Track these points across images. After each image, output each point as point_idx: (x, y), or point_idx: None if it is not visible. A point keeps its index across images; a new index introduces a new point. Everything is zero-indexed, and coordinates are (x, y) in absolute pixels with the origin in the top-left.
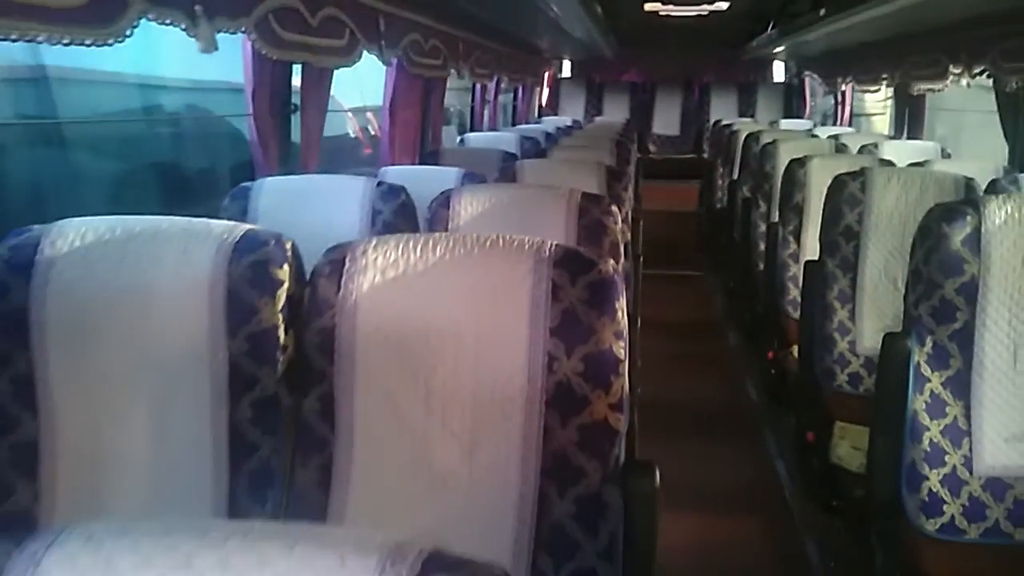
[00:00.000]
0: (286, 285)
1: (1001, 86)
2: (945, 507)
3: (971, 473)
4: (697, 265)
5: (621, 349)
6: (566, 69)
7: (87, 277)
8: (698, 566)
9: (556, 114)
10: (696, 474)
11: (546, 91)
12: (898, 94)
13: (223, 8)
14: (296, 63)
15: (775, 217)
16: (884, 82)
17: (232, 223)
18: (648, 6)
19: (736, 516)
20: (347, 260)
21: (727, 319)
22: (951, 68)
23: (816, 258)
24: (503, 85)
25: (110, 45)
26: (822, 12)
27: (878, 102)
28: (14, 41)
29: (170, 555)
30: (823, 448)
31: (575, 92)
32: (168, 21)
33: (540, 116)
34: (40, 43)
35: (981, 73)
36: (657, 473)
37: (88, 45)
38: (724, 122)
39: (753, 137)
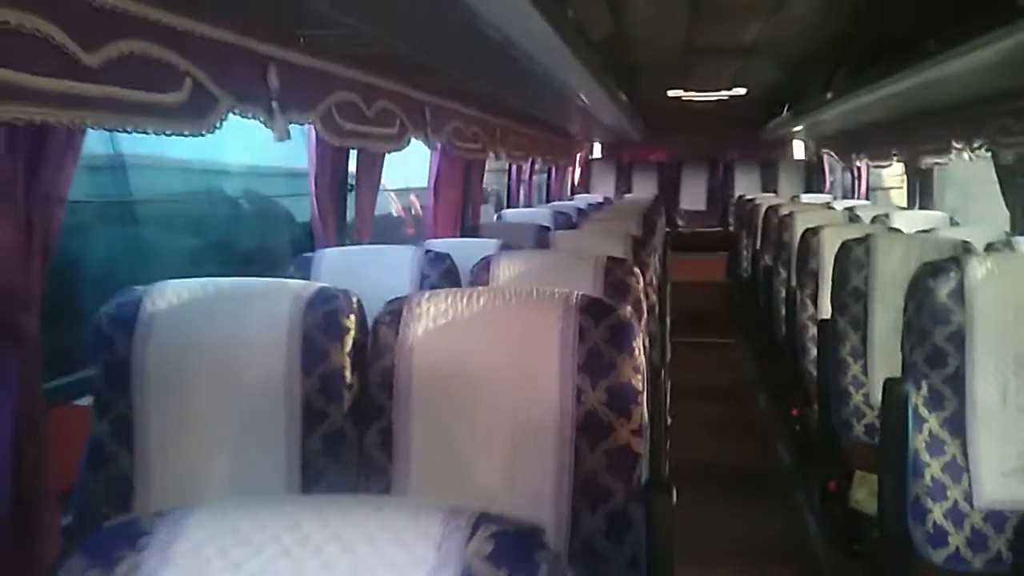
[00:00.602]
0: (352, 332)
1: (999, 159)
2: (950, 538)
3: (972, 506)
4: (728, 332)
5: (639, 382)
6: (597, 150)
7: (182, 329)
8: None
9: (588, 192)
10: (728, 532)
11: (578, 171)
12: (908, 168)
13: (294, 104)
14: (353, 149)
15: (795, 283)
16: (894, 158)
17: (306, 282)
18: (671, 92)
19: (764, 567)
20: (404, 310)
21: (758, 383)
22: (953, 143)
23: (829, 318)
24: (537, 166)
25: (203, 135)
26: (829, 96)
27: (895, 176)
28: (128, 132)
29: (280, 519)
30: (843, 496)
31: (606, 171)
32: (250, 115)
33: (573, 194)
34: (147, 134)
35: (980, 148)
36: (675, 491)
37: (185, 135)
38: (747, 196)
39: (773, 210)
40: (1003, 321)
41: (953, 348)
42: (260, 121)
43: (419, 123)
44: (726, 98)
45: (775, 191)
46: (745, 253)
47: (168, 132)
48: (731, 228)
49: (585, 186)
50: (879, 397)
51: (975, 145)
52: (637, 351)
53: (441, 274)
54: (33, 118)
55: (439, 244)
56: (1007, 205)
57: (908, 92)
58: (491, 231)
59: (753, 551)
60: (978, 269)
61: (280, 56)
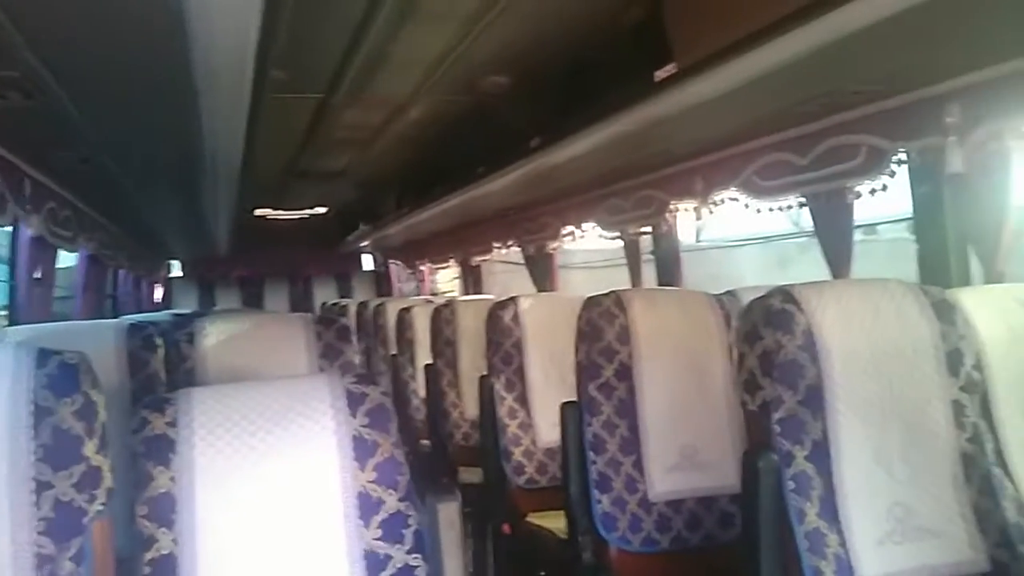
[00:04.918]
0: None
1: (526, 253)
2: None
3: (536, 444)
4: None
5: (363, 365)
6: (176, 268)
7: None
8: None
9: (170, 308)
10: None
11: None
12: (462, 267)
13: None
14: None
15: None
16: (451, 259)
17: (119, 320)
18: (259, 212)
19: None
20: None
21: None
22: (494, 244)
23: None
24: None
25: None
26: (397, 212)
27: (450, 280)
28: None
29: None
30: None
31: (187, 287)
32: None
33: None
34: None
35: (511, 246)
36: None
37: None
38: (331, 302)
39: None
40: (545, 333)
41: (516, 352)
42: None
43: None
44: (307, 216)
45: (351, 298)
46: None
47: None
48: None
49: (168, 302)
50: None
51: (509, 244)
52: (354, 343)
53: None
54: None
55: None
56: (534, 283)
57: (456, 207)
58: None
59: None
60: (526, 302)
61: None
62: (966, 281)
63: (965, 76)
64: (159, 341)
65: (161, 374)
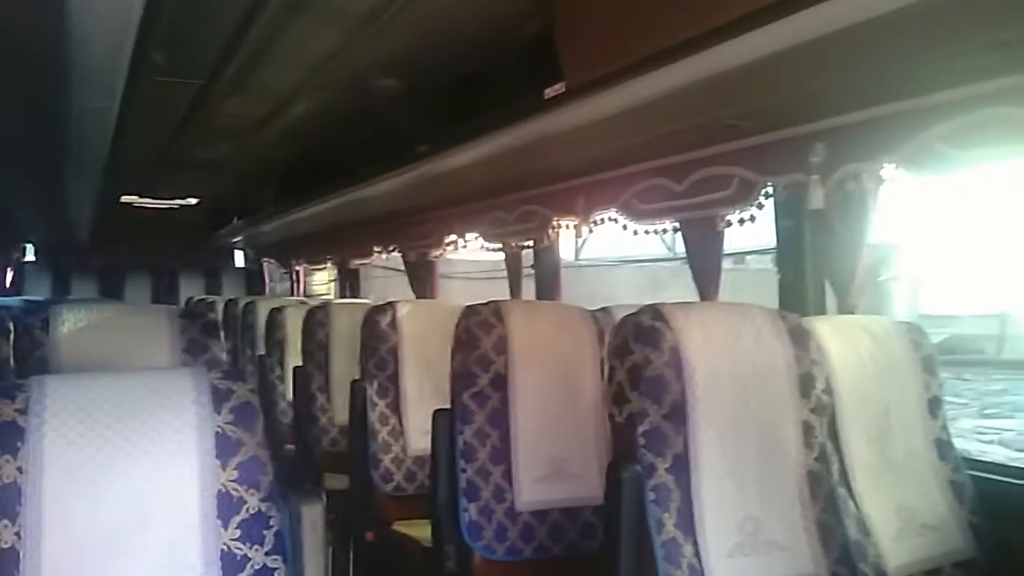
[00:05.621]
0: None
1: (406, 259)
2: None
3: (407, 454)
4: None
5: (229, 363)
6: (30, 253)
7: None
8: None
9: (21, 295)
10: None
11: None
12: (340, 269)
13: None
14: None
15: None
16: (328, 260)
17: None
18: (124, 198)
19: None
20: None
21: None
22: (375, 248)
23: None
24: None
25: None
26: (275, 208)
27: (326, 283)
28: None
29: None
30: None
31: (41, 274)
32: None
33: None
34: None
35: (394, 251)
36: None
37: None
38: (197, 297)
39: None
40: (422, 340)
41: (391, 357)
42: None
43: None
44: (177, 207)
45: (219, 295)
46: None
47: None
48: None
49: (18, 289)
50: (343, 406)
51: (391, 249)
52: (221, 339)
53: None
54: None
55: None
56: (413, 290)
57: (338, 207)
58: None
59: None
60: (404, 308)
61: None
62: (822, 310)
63: (830, 119)
64: (9, 326)
65: (10, 362)
